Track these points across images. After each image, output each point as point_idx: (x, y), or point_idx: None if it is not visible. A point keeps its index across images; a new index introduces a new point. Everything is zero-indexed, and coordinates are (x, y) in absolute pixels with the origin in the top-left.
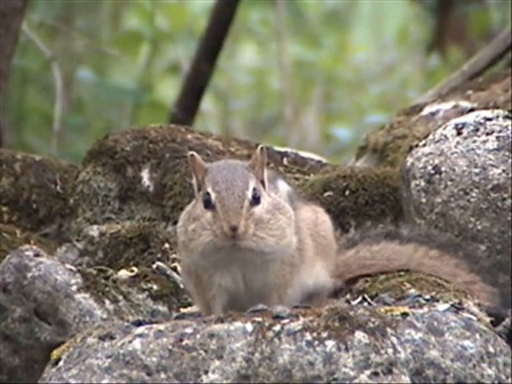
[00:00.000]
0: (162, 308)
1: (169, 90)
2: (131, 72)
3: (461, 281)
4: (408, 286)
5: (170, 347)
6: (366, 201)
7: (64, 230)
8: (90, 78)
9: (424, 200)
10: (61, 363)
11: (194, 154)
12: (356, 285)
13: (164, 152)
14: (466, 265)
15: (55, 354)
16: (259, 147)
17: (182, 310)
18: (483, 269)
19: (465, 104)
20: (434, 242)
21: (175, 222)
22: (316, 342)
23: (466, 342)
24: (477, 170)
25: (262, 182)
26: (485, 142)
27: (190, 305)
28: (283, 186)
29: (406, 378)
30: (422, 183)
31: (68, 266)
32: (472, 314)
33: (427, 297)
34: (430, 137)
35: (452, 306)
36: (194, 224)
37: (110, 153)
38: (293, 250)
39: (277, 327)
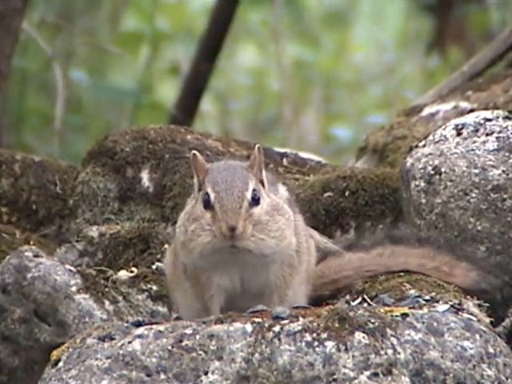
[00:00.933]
0: (162, 309)
1: (168, 91)
2: (130, 72)
3: (431, 266)
4: (408, 286)
5: (170, 348)
6: (365, 201)
7: (63, 231)
8: (84, 78)
9: (424, 201)
10: (60, 364)
11: (197, 153)
12: (356, 285)
13: (164, 153)
14: (432, 251)
15: (55, 354)
16: (256, 147)
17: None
18: (451, 249)
19: (465, 105)
20: (396, 240)
21: (175, 223)
22: (316, 343)
23: (466, 343)
24: (477, 171)
25: (262, 182)
26: (485, 142)
27: None
28: (283, 192)
29: (406, 379)
30: (422, 184)
31: (68, 266)
32: (472, 314)
33: (427, 297)
34: (430, 137)
35: (452, 306)
36: (194, 225)
37: (110, 153)
38: (292, 251)
39: (276, 328)
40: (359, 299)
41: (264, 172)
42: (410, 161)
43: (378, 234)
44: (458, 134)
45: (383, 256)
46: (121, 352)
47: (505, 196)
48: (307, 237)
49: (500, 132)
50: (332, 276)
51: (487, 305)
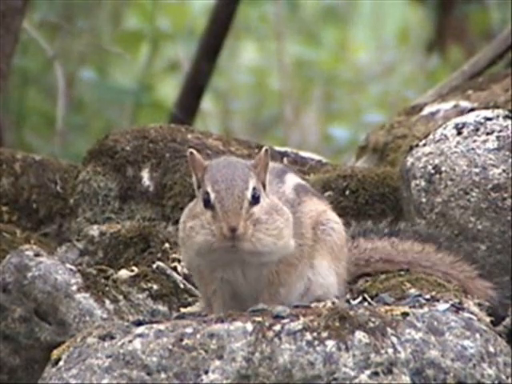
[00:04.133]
0: (162, 308)
1: (169, 90)
2: (131, 72)
3: (457, 277)
4: (408, 285)
5: (170, 347)
6: (366, 200)
7: (64, 230)
8: (92, 77)
9: (424, 200)
10: (61, 363)
11: (194, 151)
12: (356, 284)
13: (164, 152)
14: (462, 262)
15: (55, 353)
16: (264, 149)
17: (182, 310)
18: (481, 266)
19: (465, 104)
20: (431, 240)
21: (175, 222)
22: (316, 342)
23: (466, 342)
24: (477, 170)
25: (263, 184)
26: (485, 141)
27: (190, 304)
28: (292, 179)
29: (406, 378)
30: (422, 183)
31: (68, 265)
32: (472, 313)
33: (427, 296)
34: (430, 136)
35: (452, 305)
36: (193, 222)
37: (110, 152)
38: (290, 251)
39: (277, 327)
40: (360, 298)
41: (267, 175)
42: (410, 160)
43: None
44: (459, 133)
45: (413, 251)
46: (121, 351)
47: (505, 195)
48: (325, 220)
49: (500, 131)
50: (385, 254)
51: (487, 304)
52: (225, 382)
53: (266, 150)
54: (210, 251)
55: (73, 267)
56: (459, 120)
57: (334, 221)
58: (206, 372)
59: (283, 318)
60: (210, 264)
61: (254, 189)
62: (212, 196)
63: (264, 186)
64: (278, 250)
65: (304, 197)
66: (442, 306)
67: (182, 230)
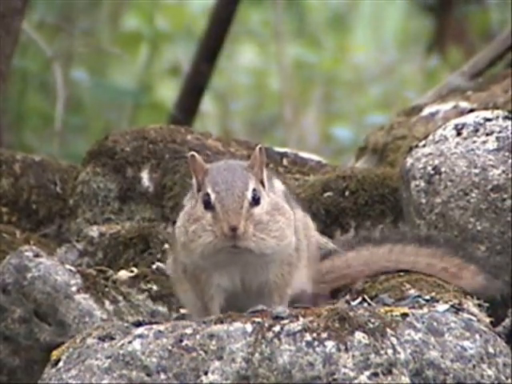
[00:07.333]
0: (162, 308)
1: (168, 91)
2: (130, 72)
3: (440, 267)
4: (408, 286)
5: (170, 348)
6: (365, 201)
7: (64, 231)
8: (85, 78)
9: (424, 200)
10: (60, 364)
11: (195, 154)
12: (355, 285)
13: (164, 152)
14: (440, 252)
15: (55, 354)
16: (258, 147)
17: (182, 311)
18: (457, 250)
19: (464, 104)
20: (407, 239)
21: (175, 223)
22: (316, 343)
23: (466, 343)
24: (476, 171)
25: (262, 182)
26: (484, 142)
27: None
28: (278, 185)
29: (406, 379)
30: (422, 184)
31: (68, 266)
32: (472, 314)
33: (427, 297)
34: (430, 137)
35: (452, 306)
36: (195, 225)
37: (110, 153)
38: (292, 250)
39: (276, 328)
40: (359, 299)
41: (265, 172)
42: (409, 161)
43: (386, 231)
44: (458, 134)
45: (393, 252)
46: (121, 352)
47: (505, 196)
48: (308, 230)
49: (500, 132)
50: (342, 271)
51: (487, 305)
52: (224, 382)
53: (261, 149)
54: (214, 252)
55: (72, 268)
56: (459, 121)
57: (315, 232)
58: (206, 373)
59: (283, 318)
60: (213, 266)
61: (254, 190)
62: (212, 197)
63: (263, 184)
64: (282, 250)
65: (292, 203)
66: (441, 307)
67: (184, 234)
